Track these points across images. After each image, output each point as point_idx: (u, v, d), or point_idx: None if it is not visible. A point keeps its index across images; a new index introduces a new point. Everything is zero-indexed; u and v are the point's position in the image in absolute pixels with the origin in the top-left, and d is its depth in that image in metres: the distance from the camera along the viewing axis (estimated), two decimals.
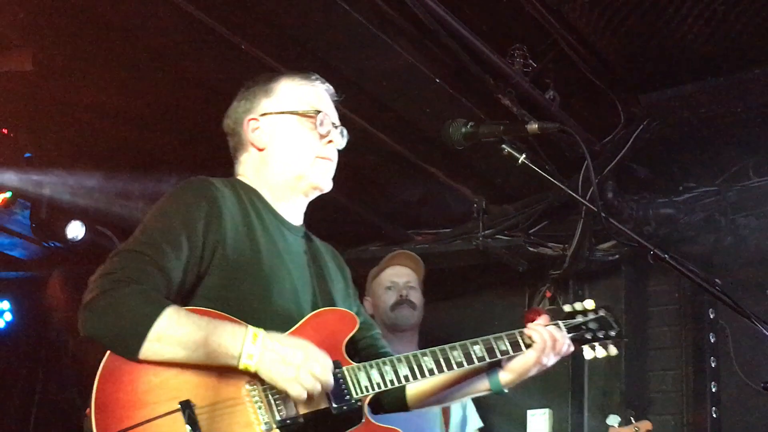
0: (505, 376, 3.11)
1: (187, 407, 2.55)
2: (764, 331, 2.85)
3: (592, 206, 3.06)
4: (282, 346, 2.65)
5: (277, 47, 4.54)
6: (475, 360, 2.98)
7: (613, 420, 4.84)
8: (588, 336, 3.17)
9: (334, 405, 2.73)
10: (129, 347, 2.56)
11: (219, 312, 2.71)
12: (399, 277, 5.38)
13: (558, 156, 5.45)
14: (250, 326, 2.65)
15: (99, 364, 2.58)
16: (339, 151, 3.14)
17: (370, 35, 4.43)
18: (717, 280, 5.84)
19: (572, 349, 3.13)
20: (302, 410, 2.68)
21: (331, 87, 3.16)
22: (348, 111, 5.04)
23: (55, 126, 5.27)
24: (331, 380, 2.69)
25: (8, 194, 5.81)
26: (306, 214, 3.14)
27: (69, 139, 5.38)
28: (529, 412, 6.50)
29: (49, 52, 4.65)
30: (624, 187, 6.00)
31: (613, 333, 3.21)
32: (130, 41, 4.50)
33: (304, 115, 3.03)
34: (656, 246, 3.06)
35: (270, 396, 2.66)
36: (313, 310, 2.92)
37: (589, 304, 3.26)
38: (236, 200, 2.91)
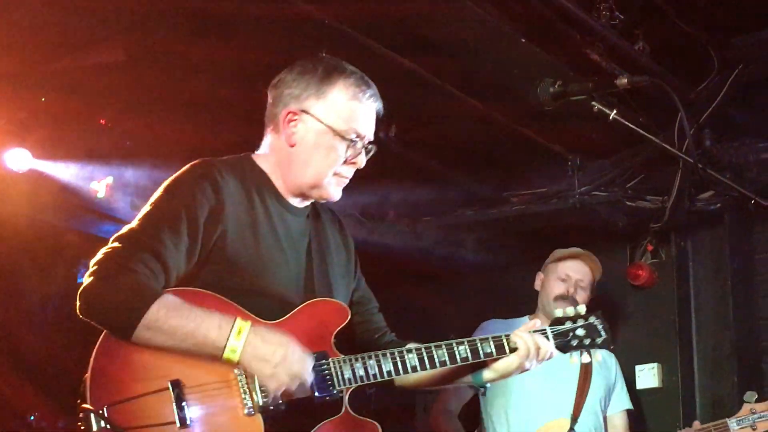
0: (489, 374, 3.21)
1: (176, 386, 2.71)
2: None
3: (687, 158, 3.00)
4: (264, 344, 2.78)
5: (363, 22, 4.55)
6: (459, 360, 3.09)
7: (749, 396, 4.80)
8: (573, 343, 3.27)
9: (317, 394, 2.88)
10: (122, 333, 2.73)
11: (215, 295, 2.86)
12: (575, 273, 5.54)
13: (653, 105, 5.36)
14: (237, 319, 2.78)
15: None
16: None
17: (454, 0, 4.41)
18: None
19: (556, 354, 3.23)
20: (285, 397, 2.83)
21: (380, 103, 3.17)
22: (436, 78, 5.08)
23: (152, 115, 5.37)
24: (307, 379, 2.85)
25: (110, 179, 5.97)
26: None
27: (166, 127, 5.48)
28: (638, 367, 6.45)
29: (141, 41, 4.73)
30: (722, 133, 5.87)
31: (599, 340, 3.29)
32: (222, 31, 4.56)
33: (341, 135, 3.06)
34: (758, 193, 3.00)
35: (256, 382, 2.81)
36: (310, 294, 3.06)
37: (582, 309, 3.31)
38: (240, 187, 3.00)
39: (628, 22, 4.92)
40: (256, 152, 3.20)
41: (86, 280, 2.76)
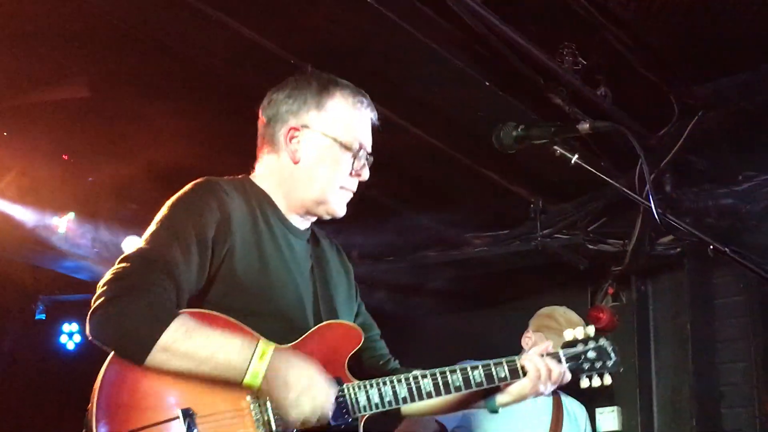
0: (503, 398, 3.13)
1: (187, 415, 2.58)
2: None
3: (648, 203, 3.03)
4: (288, 368, 2.66)
5: (327, 59, 4.57)
6: (474, 385, 3.00)
7: None
8: (585, 366, 3.20)
9: (332, 422, 2.75)
10: (135, 355, 2.58)
11: (225, 317, 2.73)
12: None
13: (615, 149, 5.42)
14: (261, 340, 2.66)
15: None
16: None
17: (419, 42, 4.44)
18: None
19: (569, 377, 3.16)
20: (302, 426, 2.70)
21: (375, 112, 3.12)
22: (401, 119, 5.11)
23: (114, 151, 5.35)
24: (329, 412, 2.71)
25: (71, 215, 5.93)
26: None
27: (127, 163, 5.46)
28: (598, 410, 6.47)
29: (106, 78, 4.73)
30: (682, 179, 5.94)
31: (609, 363, 3.24)
32: (186, 64, 4.57)
33: (346, 146, 3.01)
34: (717, 238, 3.02)
35: (269, 410, 2.69)
36: (316, 318, 2.96)
37: (591, 330, 3.26)
38: (245, 206, 2.91)
39: (590, 68, 4.97)
40: (252, 174, 3.10)
41: (95, 302, 2.60)
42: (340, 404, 2.79)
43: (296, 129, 3.01)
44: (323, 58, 4.55)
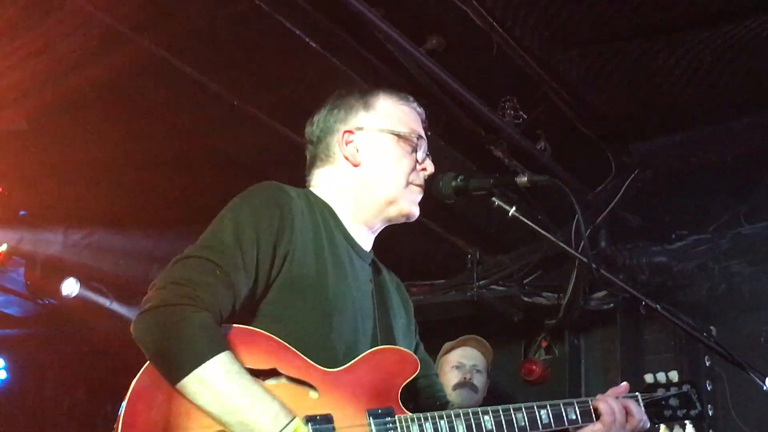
0: None
1: None
2: (757, 379, 2.84)
3: (583, 258, 3.05)
4: None
5: (268, 103, 4.58)
6: (540, 426, 2.75)
7: None
8: (666, 413, 2.98)
9: None
10: (170, 375, 2.35)
11: (276, 339, 2.52)
12: (467, 359, 5.43)
13: (552, 204, 5.47)
14: (297, 419, 2.38)
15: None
16: None
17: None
18: (712, 328, 5.84)
19: (647, 425, 2.91)
20: None
21: (422, 109, 2.99)
22: None
23: (49, 184, 5.28)
24: None
25: (4, 247, 5.81)
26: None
27: (63, 197, 5.39)
28: None
29: (44, 111, 4.68)
30: (617, 235, 6.02)
31: (694, 413, 3.00)
32: (121, 98, 4.55)
33: (404, 138, 2.87)
34: (649, 295, 3.07)
35: None
36: (372, 343, 2.74)
37: (674, 375, 3.06)
38: (308, 213, 2.72)
39: (531, 122, 5.04)
40: (310, 188, 2.90)
41: (147, 302, 2.40)
42: None
43: (350, 132, 2.86)
44: (262, 99, 4.56)
